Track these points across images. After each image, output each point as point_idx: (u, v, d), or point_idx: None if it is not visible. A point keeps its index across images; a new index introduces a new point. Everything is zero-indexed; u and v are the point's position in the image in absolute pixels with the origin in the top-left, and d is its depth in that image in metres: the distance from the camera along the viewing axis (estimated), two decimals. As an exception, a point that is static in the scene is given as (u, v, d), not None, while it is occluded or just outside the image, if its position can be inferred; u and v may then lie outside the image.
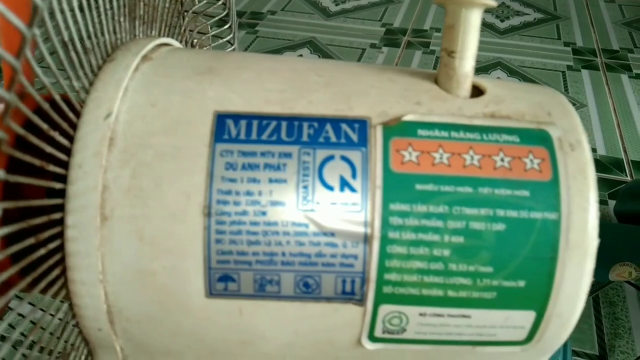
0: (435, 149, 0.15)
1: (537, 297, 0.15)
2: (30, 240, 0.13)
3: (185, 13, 0.23)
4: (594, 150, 0.75)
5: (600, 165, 0.72)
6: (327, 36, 1.02)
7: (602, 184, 0.68)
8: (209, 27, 0.25)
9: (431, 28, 1.06)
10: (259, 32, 1.02)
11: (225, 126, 0.15)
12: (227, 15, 0.27)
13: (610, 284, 0.57)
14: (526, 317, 0.16)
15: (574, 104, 0.85)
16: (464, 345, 0.16)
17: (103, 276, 0.15)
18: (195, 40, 0.26)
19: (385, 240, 0.15)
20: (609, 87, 0.88)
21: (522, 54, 0.97)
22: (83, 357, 0.17)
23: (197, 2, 0.24)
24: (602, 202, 0.66)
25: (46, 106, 0.14)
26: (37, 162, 0.13)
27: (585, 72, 0.92)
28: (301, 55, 0.94)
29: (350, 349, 0.16)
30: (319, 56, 0.95)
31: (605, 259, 0.52)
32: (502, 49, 0.99)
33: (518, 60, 0.95)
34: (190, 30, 0.24)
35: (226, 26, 0.25)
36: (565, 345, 0.44)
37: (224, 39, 0.26)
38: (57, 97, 0.14)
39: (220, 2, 0.25)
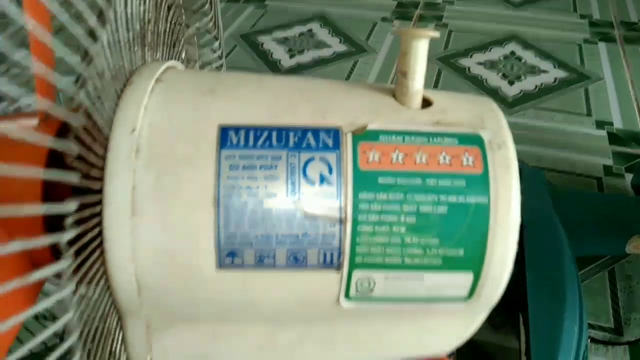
0: (393, 150, 0.20)
1: (474, 262, 0.20)
2: (79, 229, 0.17)
3: (180, 34, 0.27)
4: (610, 123, 0.77)
5: (617, 138, 0.73)
6: (338, 10, 0.98)
7: (620, 157, 0.70)
8: (198, 47, 0.29)
9: (444, 1, 1.02)
10: (268, 6, 0.98)
11: (228, 136, 0.19)
12: (217, 28, 0.30)
13: (626, 256, 0.60)
14: (466, 278, 0.20)
15: (590, 77, 0.86)
16: (420, 302, 0.21)
17: (133, 257, 0.19)
18: (186, 54, 0.30)
19: (356, 222, 0.19)
20: (626, 60, 0.87)
21: (537, 26, 0.94)
22: (115, 322, 0.20)
23: (190, 24, 0.27)
24: (619, 176, 0.68)
25: (88, 123, 0.17)
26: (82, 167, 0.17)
27: (602, 45, 0.90)
28: (311, 30, 0.94)
29: (331, 307, 0.20)
30: (330, 30, 0.92)
31: (622, 231, 0.56)
32: (517, 22, 0.95)
33: (533, 33, 0.92)
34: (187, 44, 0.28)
35: (216, 44, 0.29)
36: (580, 318, 0.47)
37: (215, 54, 0.30)
38: (97, 118, 0.18)
39: (210, 20, 0.29)
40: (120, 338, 0.21)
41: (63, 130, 0.21)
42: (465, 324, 0.23)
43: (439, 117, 0.21)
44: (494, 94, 0.83)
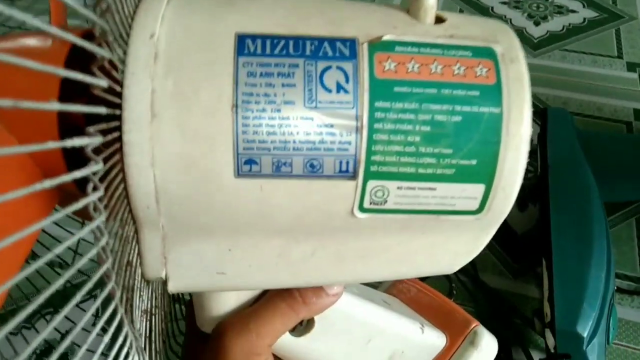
0: (409, 60, 0.20)
1: (486, 172, 0.20)
2: (102, 125, 0.17)
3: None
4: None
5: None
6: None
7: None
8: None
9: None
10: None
11: (245, 44, 0.19)
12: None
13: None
14: (478, 190, 0.21)
15: (622, 17, 0.83)
16: (430, 214, 0.21)
17: (152, 162, 0.19)
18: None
19: (372, 130, 0.19)
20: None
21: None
22: (132, 232, 0.21)
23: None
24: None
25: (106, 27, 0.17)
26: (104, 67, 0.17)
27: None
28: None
29: (344, 219, 0.21)
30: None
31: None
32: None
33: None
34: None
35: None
36: (608, 265, 0.46)
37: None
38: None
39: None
40: (136, 249, 0.21)
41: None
42: (474, 240, 0.23)
43: (453, 31, 0.21)
44: (518, 34, 0.80)
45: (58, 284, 0.14)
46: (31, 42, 0.21)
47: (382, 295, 0.37)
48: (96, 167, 0.15)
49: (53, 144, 0.12)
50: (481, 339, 0.35)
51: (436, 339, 0.35)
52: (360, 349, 0.31)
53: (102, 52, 0.16)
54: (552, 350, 0.45)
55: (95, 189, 0.15)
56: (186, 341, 0.30)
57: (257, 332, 0.25)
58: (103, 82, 0.15)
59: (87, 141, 0.14)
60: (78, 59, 0.20)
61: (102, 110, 0.16)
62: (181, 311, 0.36)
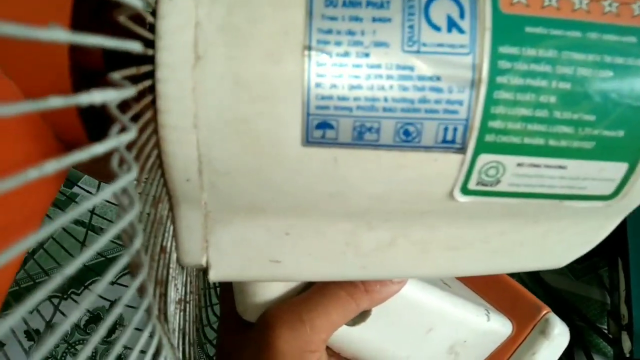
0: (545, -10, 0.14)
1: (633, 148, 0.15)
2: (132, 70, 0.12)
3: None
4: None
5: None
6: None
7: None
8: None
9: None
10: None
11: (322, -40, 0.14)
12: None
13: None
14: (619, 169, 0.16)
15: None
16: (552, 200, 0.16)
17: (196, 121, 0.14)
18: None
19: (492, 85, 0.14)
20: None
21: None
22: (166, 212, 0.16)
23: None
24: None
25: None
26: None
27: None
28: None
29: (439, 202, 0.16)
30: None
31: None
32: None
33: None
34: None
35: None
36: None
37: None
38: None
39: None
40: (171, 230, 0.17)
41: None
42: (595, 230, 0.18)
43: (599, -47, 0.15)
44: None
45: (83, 258, 0.09)
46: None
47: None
48: (128, 136, 0.10)
49: (56, 101, 0.07)
50: (553, 328, 0.31)
51: (502, 327, 0.31)
52: (419, 339, 0.27)
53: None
54: (628, 355, 0.42)
55: (125, 165, 0.10)
56: (222, 329, 0.26)
57: (312, 325, 0.21)
58: (136, 1, 0.10)
59: (114, 95, 0.09)
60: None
61: (136, 47, 0.11)
62: (216, 293, 0.32)
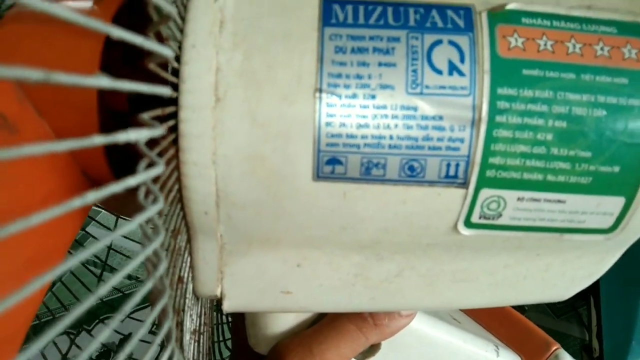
0: (540, 36, 0.15)
1: (629, 183, 0.16)
2: (158, 112, 0.13)
3: None
4: None
5: None
6: None
7: None
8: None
9: None
10: None
11: (332, 11, 0.15)
12: None
13: None
14: (616, 203, 0.16)
15: None
16: (552, 233, 0.17)
17: (215, 158, 0.15)
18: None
19: (492, 124, 0.15)
20: None
21: None
22: (184, 243, 0.17)
23: None
24: None
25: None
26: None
27: None
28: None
29: (444, 235, 0.17)
30: None
31: None
32: None
33: None
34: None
35: None
36: None
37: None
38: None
39: None
40: (188, 262, 0.18)
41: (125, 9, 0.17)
42: (596, 263, 0.19)
43: (588, 1, 0.16)
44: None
45: (92, 300, 0.10)
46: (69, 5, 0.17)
47: (449, 310, 0.33)
48: (156, 170, 0.11)
49: (100, 139, 0.08)
50: (563, 365, 0.31)
51: (511, 363, 0.31)
52: None
53: (165, 51, 0.12)
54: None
55: (152, 199, 0.11)
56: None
57: (322, 358, 0.21)
58: (168, 51, 0.11)
59: (147, 134, 0.10)
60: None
61: (166, 91, 0.12)
62: (228, 327, 0.33)
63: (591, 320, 0.50)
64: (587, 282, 0.19)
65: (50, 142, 0.08)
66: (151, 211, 0.11)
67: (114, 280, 0.10)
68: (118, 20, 0.17)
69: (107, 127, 0.17)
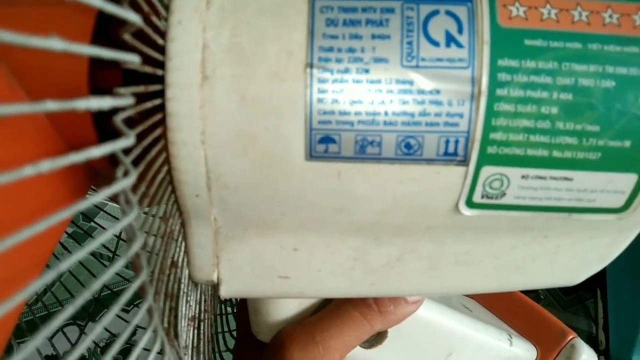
0: (543, 4, 0.15)
1: (641, 159, 0.15)
2: (140, 88, 0.13)
3: None
4: None
5: None
6: None
7: None
8: None
9: None
10: None
11: (323, -17, 0.15)
12: None
13: None
14: (628, 181, 0.15)
15: None
16: (560, 213, 0.16)
17: (204, 138, 0.15)
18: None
19: (492, 98, 0.14)
20: None
21: None
22: (178, 227, 0.17)
23: None
24: None
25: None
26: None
27: None
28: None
29: (445, 216, 0.16)
30: None
31: None
32: None
33: None
34: None
35: None
36: None
37: None
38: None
39: None
40: (182, 246, 0.17)
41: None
42: (608, 245, 0.18)
43: (599, -32, 0.16)
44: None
45: (93, 290, 0.10)
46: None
47: (461, 298, 0.32)
48: (125, 141, 0.11)
49: (52, 105, 0.08)
50: (580, 354, 0.30)
51: (525, 352, 0.30)
52: None
53: (130, 16, 0.11)
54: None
55: (126, 173, 0.11)
56: (237, 348, 0.26)
57: (325, 346, 0.21)
58: (133, 16, 0.11)
59: (110, 102, 0.10)
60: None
61: (134, 58, 0.11)
62: (233, 312, 0.32)
63: (597, 313, 0.51)
64: (598, 265, 0.18)
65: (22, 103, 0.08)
66: (122, 184, 0.10)
67: (116, 267, 0.10)
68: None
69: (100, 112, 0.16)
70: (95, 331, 0.10)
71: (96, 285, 0.10)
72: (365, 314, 0.22)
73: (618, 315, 0.48)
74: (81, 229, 0.39)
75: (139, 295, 0.13)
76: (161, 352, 0.13)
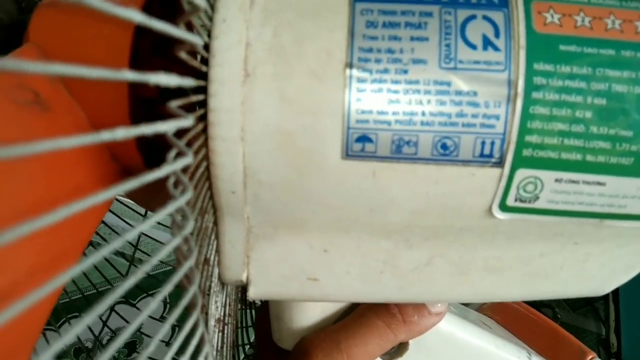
0: (577, 12, 0.15)
1: (674, 165, 0.15)
2: (186, 100, 0.13)
3: None
4: None
5: None
6: None
7: None
8: None
9: None
10: None
11: (363, -13, 0.15)
12: None
13: None
14: (660, 187, 0.16)
15: None
16: (591, 218, 0.16)
17: (243, 134, 0.15)
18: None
19: (528, 100, 0.15)
20: None
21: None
22: (211, 224, 0.17)
23: None
24: None
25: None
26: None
27: None
28: None
29: (477, 218, 0.16)
30: None
31: None
32: None
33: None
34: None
35: None
36: None
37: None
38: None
39: None
40: (214, 244, 0.18)
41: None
42: (638, 254, 0.18)
43: (629, -20, 0.16)
44: None
45: (138, 276, 0.10)
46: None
47: (479, 316, 0.32)
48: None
49: (123, 132, 0.08)
50: (600, 375, 0.29)
51: (545, 372, 0.29)
52: None
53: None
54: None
55: (182, 189, 0.11)
56: (257, 357, 0.26)
57: (349, 354, 0.21)
58: (196, 38, 0.11)
59: (174, 125, 0.10)
60: (153, 11, 0.17)
61: (190, 82, 0.12)
62: (251, 317, 0.32)
63: (609, 315, 0.51)
64: (627, 275, 0.18)
65: (84, 134, 0.08)
66: (180, 201, 0.11)
67: (147, 266, 0.10)
68: (148, 9, 0.17)
69: (137, 112, 0.17)
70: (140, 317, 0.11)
71: (147, 267, 0.10)
72: (389, 323, 0.22)
73: (630, 317, 0.48)
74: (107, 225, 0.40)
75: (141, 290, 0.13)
76: (200, 344, 0.13)
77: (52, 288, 0.09)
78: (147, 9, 0.17)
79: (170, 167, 0.11)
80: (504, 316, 0.33)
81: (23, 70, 0.07)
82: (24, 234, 0.08)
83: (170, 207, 0.12)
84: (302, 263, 0.18)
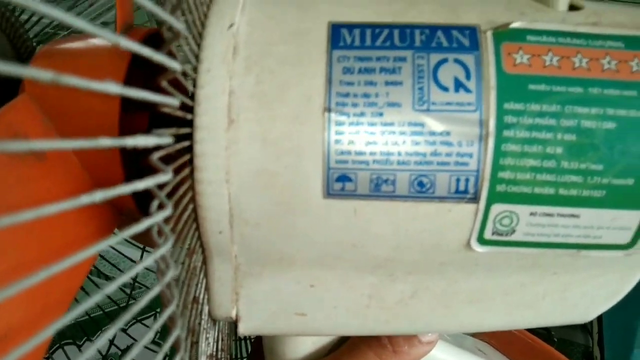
0: (545, 52, 0.16)
1: (645, 196, 0.16)
2: (172, 130, 0.14)
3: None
4: None
5: None
6: None
7: None
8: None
9: None
10: None
11: (340, 35, 0.16)
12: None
13: None
14: (633, 218, 0.16)
15: None
16: (568, 249, 0.17)
17: (228, 176, 0.15)
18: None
19: (500, 139, 0.15)
20: None
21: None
22: (199, 263, 0.17)
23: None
24: None
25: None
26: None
27: None
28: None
29: (457, 252, 0.17)
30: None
31: None
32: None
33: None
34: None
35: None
36: None
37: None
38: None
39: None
40: (203, 283, 0.18)
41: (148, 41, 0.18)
42: (618, 281, 0.18)
43: (595, 19, 0.17)
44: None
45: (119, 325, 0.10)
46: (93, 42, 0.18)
47: (475, 341, 0.32)
48: (164, 177, 0.12)
49: (106, 141, 0.08)
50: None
51: (541, 397, 0.29)
52: None
53: (172, 64, 0.13)
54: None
55: (161, 206, 0.12)
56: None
57: (340, 386, 0.21)
58: (175, 64, 0.12)
59: (155, 140, 0.11)
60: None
61: (174, 102, 0.13)
62: (246, 349, 0.32)
63: (593, 327, 0.51)
64: (609, 302, 0.19)
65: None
66: (159, 216, 0.11)
67: (120, 280, 0.10)
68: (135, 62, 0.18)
69: (129, 151, 0.17)
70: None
71: (134, 310, 0.11)
72: (379, 354, 0.22)
73: (613, 329, 0.48)
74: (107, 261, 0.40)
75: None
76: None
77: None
78: (134, 61, 0.18)
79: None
80: (500, 340, 0.33)
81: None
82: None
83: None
84: (289, 299, 0.18)
